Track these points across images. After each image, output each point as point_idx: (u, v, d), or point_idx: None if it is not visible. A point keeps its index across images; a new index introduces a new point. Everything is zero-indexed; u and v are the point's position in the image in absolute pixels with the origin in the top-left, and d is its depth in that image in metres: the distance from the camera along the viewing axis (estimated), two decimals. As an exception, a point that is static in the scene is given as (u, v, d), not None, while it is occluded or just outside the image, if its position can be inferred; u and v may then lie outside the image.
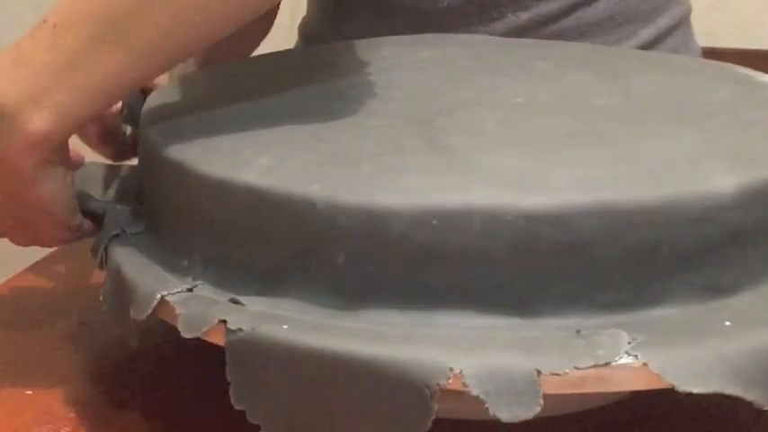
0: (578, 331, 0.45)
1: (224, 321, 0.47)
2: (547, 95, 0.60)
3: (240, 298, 0.49)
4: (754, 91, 0.61)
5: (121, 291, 0.53)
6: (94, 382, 0.60)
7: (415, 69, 0.66)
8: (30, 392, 0.58)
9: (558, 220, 0.45)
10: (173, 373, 0.61)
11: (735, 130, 0.54)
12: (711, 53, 0.70)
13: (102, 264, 0.56)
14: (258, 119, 0.57)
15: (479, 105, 0.58)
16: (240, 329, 0.46)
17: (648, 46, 0.81)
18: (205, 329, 0.47)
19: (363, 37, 0.76)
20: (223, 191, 0.50)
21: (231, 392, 0.46)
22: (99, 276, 0.58)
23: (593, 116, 0.56)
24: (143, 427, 0.55)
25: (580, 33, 0.80)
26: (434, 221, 0.46)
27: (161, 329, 0.53)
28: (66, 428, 0.55)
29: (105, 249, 0.56)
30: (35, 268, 0.74)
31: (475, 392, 0.42)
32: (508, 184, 0.47)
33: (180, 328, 0.48)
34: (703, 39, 1.07)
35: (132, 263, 0.54)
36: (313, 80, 0.64)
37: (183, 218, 0.53)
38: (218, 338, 0.47)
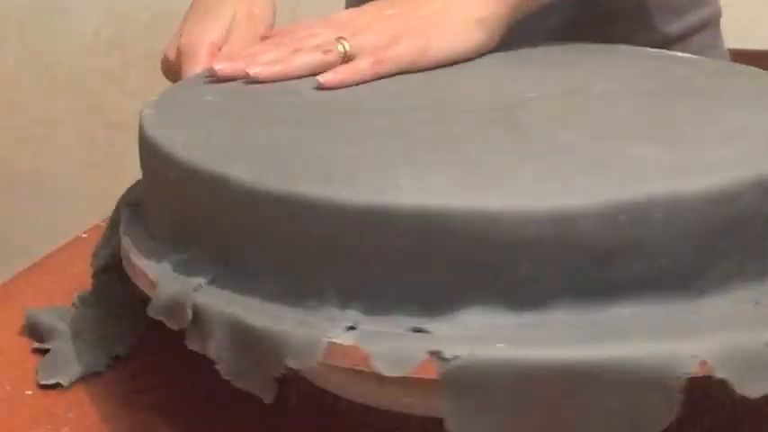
0: (757, 302, 0.47)
1: (435, 352, 0.44)
2: (599, 85, 0.62)
3: (422, 326, 0.46)
4: (704, 66, 0.67)
5: (253, 344, 0.48)
6: (94, 382, 0.59)
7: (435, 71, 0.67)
8: (30, 392, 0.57)
9: (728, 198, 0.47)
10: (173, 373, 0.59)
11: None
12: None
13: (189, 322, 0.50)
14: (338, 138, 0.55)
15: (544, 98, 0.59)
16: (456, 357, 0.44)
17: (675, 40, 0.82)
18: (415, 364, 0.45)
19: None
20: (374, 219, 0.47)
21: (452, 424, 0.44)
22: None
23: (659, 101, 0.59)
24: (143, 427, 0.55)
25: (609, 20, 0.82)
26: (621, 217, 0.46)
27: (161, 330, 0.51)
28: (66, 428, 0.54)
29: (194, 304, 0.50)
30: (35, 268, 0.73)
31: (721, 375, 0.43)
32: (672, 171, 0.48)
33: (382, 370, 0.45)
34: None
35: (251, 312, 0.49)
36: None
37: (310, 254, 0.49)
38: (428, 372, 0.45)
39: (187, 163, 0.52)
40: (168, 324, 0.51)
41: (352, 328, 0.47)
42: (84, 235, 0.73)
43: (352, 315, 0.47)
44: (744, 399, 0.43)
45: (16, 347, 0.62)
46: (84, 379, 0.59)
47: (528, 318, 0.46)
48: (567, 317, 0.46)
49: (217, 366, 0.49)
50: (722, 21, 0.88)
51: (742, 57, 0.69)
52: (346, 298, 0.48)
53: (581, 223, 0.45)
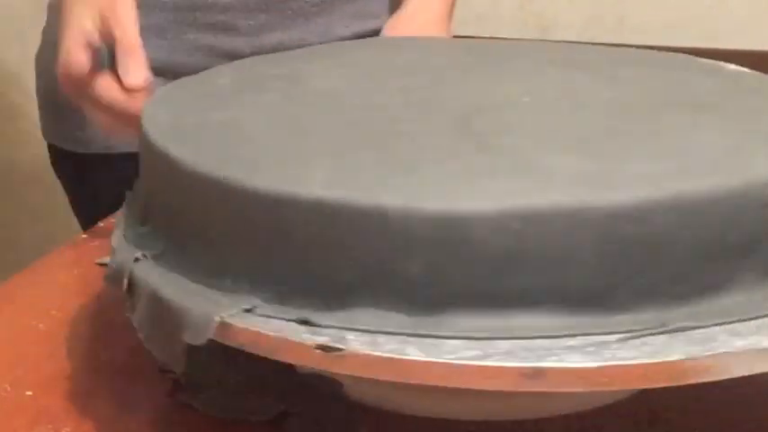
0: (663, 324, 0.45)
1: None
2: (549, 94, 0.59)
3: (310, 317, 0.46)
4: (733, 80, 0.62)
5: (164, 316, 0.49)
6: (94, 382, 0.58)
7: (403, 74, 0.64)
8: (30, 392, 0.56)
9: (637, 215, 0.45)
10: (172, 372, 0.58)
11: (753, 118, 0.55)
12: (711, 53, 0.68)
13: (128, 291, 0.52)
14: (279, 130, 0.55)
15: (502, 106, 0.57)
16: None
17: None
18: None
19: None
20: (282, 207, 0.47)
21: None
22: (99, 277, 0.56)
23: (611, 112, 0.56)
24: (144, 427, 0.54)
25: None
26: (516, 224, 0.45)
27: None
28: (66, 428, 0.53)
29: (130, 274, 0.52)
30: (35, 268, 0.72)
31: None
32: (583, 183, 0.47)
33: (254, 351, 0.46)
34: (703, 39, 1.05)
35: (169, 286, 0.50)
36: (310, 88, 0.62)
37: (226, 236, 0.50)
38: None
39: (150, 142, 0.55)
40: (113, 289, 0.53)
41: (248, 310, 0.47)
42: (84, 236, 0.71)
43: (255, 300, 0.48)
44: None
45: (16, 347, 0.62)
46: (84, 379, 0.58)
47: (418, 316, 0.45)
48: (460, 321, 0.45)
49: (138, 335, 0.51)
50: (722, 21, 0.86)
51: (742, 57, 0.67)
52: (255, 283, 0.49)
53: (474, 227, 0.45)
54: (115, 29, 0.68)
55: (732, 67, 0.65)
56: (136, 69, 0.67)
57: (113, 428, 0.53)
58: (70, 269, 0.69)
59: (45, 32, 1.00)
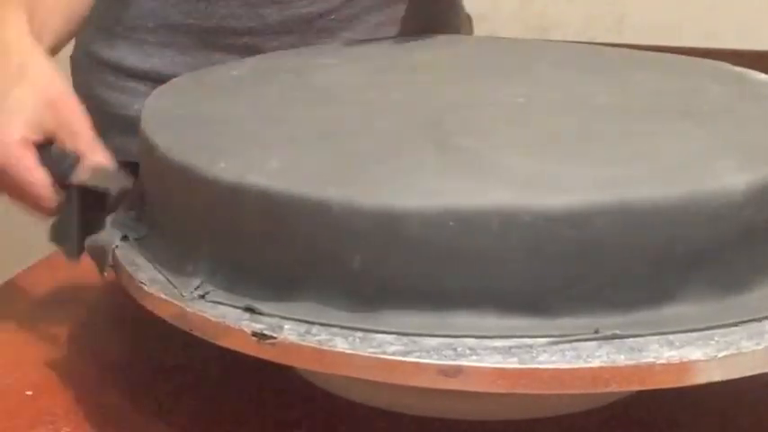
0: (596, 331, 0.44)
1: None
2: (546, 95, 0.59)
3: (255, 304, 0.48)
4: (749, 88, 0.61)
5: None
6: (94, 382, 0.59)
7: (409, 71, 0.65)
8: (30, 392, 0.57)
9: (576, 220, 0.45)
10: (172, 372, 0.59)
11: (739, 128, 0.54)
12: (711, 53, 0.67)
13: (108, 268, 0.55)
14: (260, 121, 0.56)
15: (483, 106, 0.58)
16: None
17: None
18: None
19: None
20: (234, 195, 0.49)
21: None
22: (98, 278, 0.56)
23: (598, 115, 0.56)
24: (143, 426, 0.54)
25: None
26: (451, 223, 0.45)
27: (160, 329, 0.51)
28: (66, 428, 0.54)
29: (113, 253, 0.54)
30: (35, 268, 0.72)
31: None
32: (525, 185, 0.47)
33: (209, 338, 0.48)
34: (703, 39, 1.02)
35: (140, 268, 0.52)
36: (310, 82, 0.63)
37: (190, 223, 0.52)
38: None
39: (140, 128, 0.57)
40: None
41: (201, 296, 0.49)
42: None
43: (209, 286, 0.49)
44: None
45: (16, 347, 0.62)
46: (84, 379, 0.59)
47: (357, 311, 0.46)
48: (397, 317, 0.45)
49: None
50: (722, 21, 0.84)
51: (742, 57, 0.66)
52: (212, 270, 0.50)
53: (409, 224, 0.45)
54: (73, 125, 0.61)
55: (761, 76, 0.63)
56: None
57: (113, 428, 0.54)
58: (70, 269, 0.68)
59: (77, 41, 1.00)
